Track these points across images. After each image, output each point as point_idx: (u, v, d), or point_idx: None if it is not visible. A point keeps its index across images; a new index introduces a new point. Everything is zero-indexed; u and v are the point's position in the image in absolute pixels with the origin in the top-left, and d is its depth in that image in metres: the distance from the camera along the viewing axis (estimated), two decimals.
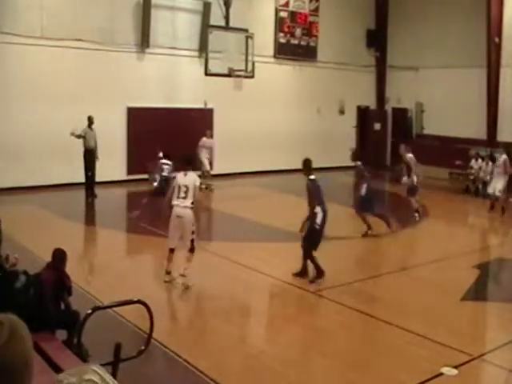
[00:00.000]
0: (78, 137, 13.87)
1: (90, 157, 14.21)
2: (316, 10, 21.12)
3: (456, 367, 5.76)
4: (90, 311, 4.41)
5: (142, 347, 4.64)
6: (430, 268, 9.49)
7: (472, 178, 17.72)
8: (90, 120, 14.12)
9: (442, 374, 5.64)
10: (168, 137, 16.41)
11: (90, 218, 13.83)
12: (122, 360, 4.17)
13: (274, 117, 19.60)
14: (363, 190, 11.62)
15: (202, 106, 18.16)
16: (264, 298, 8.50)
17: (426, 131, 21.82)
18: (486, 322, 7.98)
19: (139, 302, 4.63)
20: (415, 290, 8.56)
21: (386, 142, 22.54)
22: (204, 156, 16.42)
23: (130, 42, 16.76)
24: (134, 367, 4.87)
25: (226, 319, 7.23)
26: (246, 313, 7.78)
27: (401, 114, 22.65)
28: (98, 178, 14.45)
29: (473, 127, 19.29)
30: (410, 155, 12.91)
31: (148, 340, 4.69)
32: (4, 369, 1.46)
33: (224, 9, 15.28)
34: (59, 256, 5.76)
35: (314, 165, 8.74)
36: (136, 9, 16.73)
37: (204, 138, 16.57)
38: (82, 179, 14.34)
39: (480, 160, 17.81)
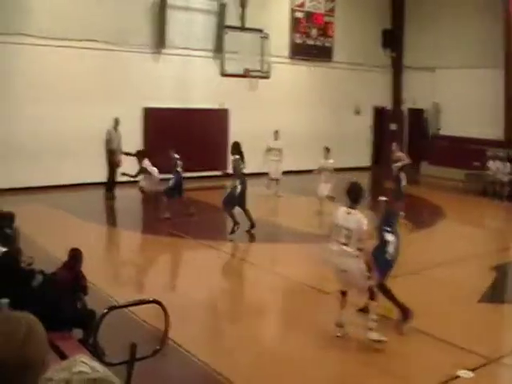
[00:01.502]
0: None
1: (112, 158, 14.36)
2: (332, 10, 21.06)
3: (473, 370, 5.71)
4: (106, 310, 4.42)
5: (158, 347, 4.64)
6: (446, 269, 9.40)
7: (490, 179, 17.56)
8: (116, 122, 14.45)
9: (458, 376, 5.60)
10: (183, 137, 16.45)
11: (106, 218, 13.91)
12: (137, 359, 4.18)
13: (289, 117, 19.52)
14: (236, 189, 10.89)
15: (217, 106, 18.18)
16: (278, 298, 8.48)
17: (442, 132, 21.64)
18: (504, 325, 7.89)
19: (154, 301, 4.63)
20: (431, 291, 8.49)
21: (402, 143, 22.35)
22: (274, 161, 15.37)
23: (145, 42, 16.82)
24: (150, 366, 4.88)
25: (240, 319, 7.23)
26: (261, 313, 7.76)
27: (417, 114, 22.50)
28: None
29: (490, 128, 19.07)
30: (399, 154, 13.60)
31: (163, 339, 4.69)
32: (21, 366, 1.48)
33: (240, 9, 15.30)
34: (75, 256, 5.81)
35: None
36: (151, 10, 16.80)
37: (270, 140, 15.70)
38: (95, 179, 14.47)
39: (498, 161, 17.65)
